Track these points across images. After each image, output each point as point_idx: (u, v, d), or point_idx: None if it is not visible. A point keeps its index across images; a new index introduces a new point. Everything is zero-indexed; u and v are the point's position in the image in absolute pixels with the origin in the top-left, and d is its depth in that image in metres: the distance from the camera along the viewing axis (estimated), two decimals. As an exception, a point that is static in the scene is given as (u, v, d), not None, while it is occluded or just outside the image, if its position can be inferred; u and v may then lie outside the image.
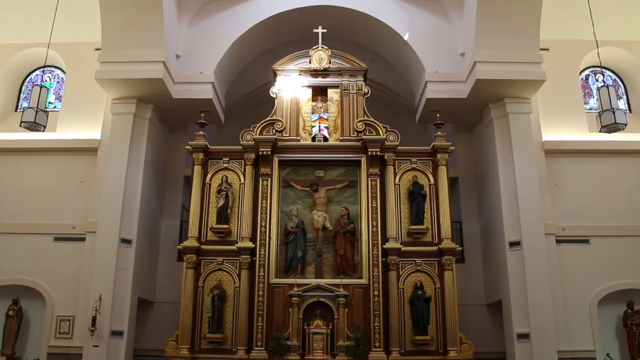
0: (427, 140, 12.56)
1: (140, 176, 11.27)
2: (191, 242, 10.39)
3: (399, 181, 10.82)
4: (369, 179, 10.67)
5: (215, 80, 12.07)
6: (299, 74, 11.50)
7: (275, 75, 11.58)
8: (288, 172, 11.09)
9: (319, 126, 11.51)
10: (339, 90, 11.49)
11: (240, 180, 10.84)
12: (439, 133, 10.97)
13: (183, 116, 12.41)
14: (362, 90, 11.39)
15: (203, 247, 10.43)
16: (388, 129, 10.93)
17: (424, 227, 10.50)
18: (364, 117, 11.12)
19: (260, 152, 10.68)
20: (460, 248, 10.75)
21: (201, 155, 10.84)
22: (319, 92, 11.67)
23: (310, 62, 11.45)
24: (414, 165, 10.90)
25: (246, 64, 13.43)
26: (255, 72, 14.01)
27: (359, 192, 10.86)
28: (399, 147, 10.84)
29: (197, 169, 10.81)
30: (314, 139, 11.27)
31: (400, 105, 15.35)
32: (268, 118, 11.07)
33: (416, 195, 10.62)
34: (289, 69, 11.49)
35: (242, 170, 10.85)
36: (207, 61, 11.89)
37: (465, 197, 12.76)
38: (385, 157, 10.74)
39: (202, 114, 11.30)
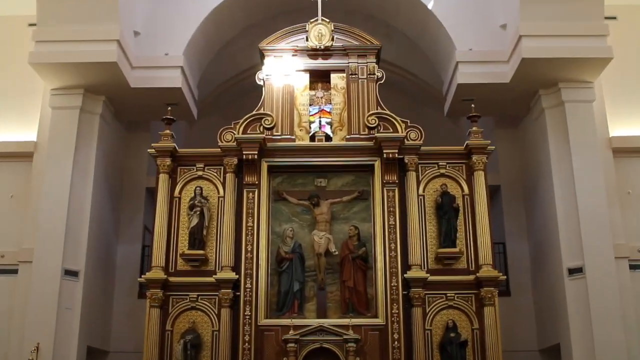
0: (459, 139, 12.70)
1: (90, 189, 11.41)
2: (156, 274, 10.50)
3: (424, 191, 10.97)
4: (385, 188, 10.82)
5: (186, 64, 12.23)
6: (293, 55, 11.66)
7: (262, 56, 11.73)
8: (280, 181, 11.24)
9: (320, 121, 11.66)
10: (344, 75, 11.64)
11: (218, 193, 10.99)
12: (474, 129, 11.12)
13: (144, 111, 12.57)
14: (374, 74, 11.55)
15: (171, 279, 10.56)
16: (408, 125, 11.08)
17: (456, 250, 10.64)
18: (377, 109, 11.28)
19: (244, 156, 10.82)
20: (505, 277, 10.88)
21: (168, 161, 11.01)
22: (320, 78, 11.83)
23: (307, 40, 11.62)
24: (442, 171, 11.05)
25: (225, 43, 13.62)
26: (236, 53, 14.18)
27: (372, 206, 11.00)
28: (423, 148, 10.98)
29: (163, 178, 10.96)
30: (313, 138, 11.43)
31: (423, 93, 15.51)
32: (254, 112, 11.22)
33: (446, 210, 10.76)
34: (280, 49, 11.65)
35: (221, 179, 11.00)
36: (175, 39, 12.08)
37: (510, 210, 12.92)
38: (406, 161, 10.90)
39: (169, 108, 11.45)
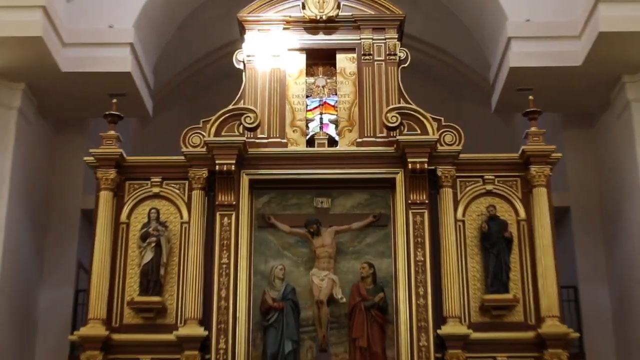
0: (513, 143, 12.75)
1: (3, 211, 11.41)
2: (94, 329, 10.42)
3: (464, 215, 10.95)
4: (411, 211, 10.80)
5: (137, 41, 12.27)
6: (285, 28, 11.72)
7: (242, 30, 11.80)
8: (267, 201, 11.26)
9: (321, 119, 11.67)
10: (354, 55, 11.70)
11: (181, 217, 10.97)
12: (533, 129, 11.12)
13: (80, 104, 12.60)
14: (395, 54, 11.60)
15: (115, 337, 10.49)
16: (442, 124, 11.10)
17: (509, 296, 10.59)
18: (399, 102, 11.30)
19: (217, 167, 10.81)
20: (577, 334, 10.80)
21: (112, 173, 10.97)
22: (321, 60, 11.87)
23: (304, 7, 11.69)
24: (489, 187, 11.04)
25: (191, 11, 13.67)
26: (206, 25, 14.22)
27: (392, 235, 10.99)
28: (462, 156, 11.00)
29: (105, 197, 10.92)
30: (311, 141, 11.46)
31: (463, 81, 15.54)
32: (231, 107, 11.21)
33: (495, 241, 10.73)
34: (266, 19, 11.70)
35: (186, 198, 11.00)
36: (122, 7, 12.14)
37: (583, 242, 12.92)
38: (439, 173, 10.89)
39: (114, 100, 11.44)
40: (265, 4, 11.70)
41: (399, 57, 11.58)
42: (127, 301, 10.68)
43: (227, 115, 10.99)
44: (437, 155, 10.86)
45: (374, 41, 11.64)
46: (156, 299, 10.58)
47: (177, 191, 11.06)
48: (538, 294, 10.57)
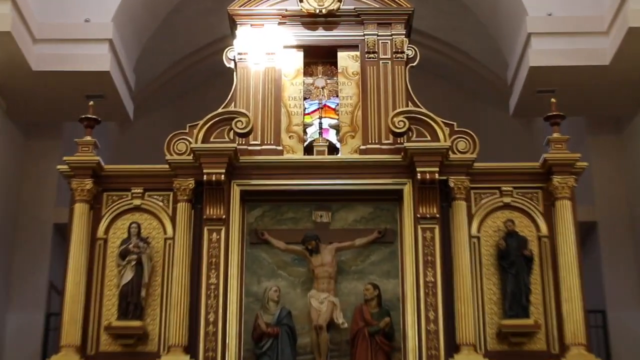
0: (533, 150, 12.72)
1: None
2: (67, 357, 10.37)
3: (480, 231, 10.94)
4: (420, 226, 10.79)
5: (117, 37, 12.28)
6: (281, 23, 11.76)
7: (233, 25, 11.82)
8: (260, 215, 11.26)
9: (320, 124, 11.70)
10: (358, 53, 11.74)
11: (165, 232, 10.96)
12: (555, 135, 11.13)
13: (53, 107, 12.63)
14: (403, 52, 11.62)
15: (92, 365, 10.57)
16: (455, 129, 11.11)
17: (530, 322, 10.56)
18: (407, 105, 11.32)
19: (205, 177, 10.80)
20: (606, 364, 10.84)
21: (88, 184, 10.94)
22: (320, 58, 11.91)
23: (301, 0, 11.71)
24: (507, 200, 11.03)
25: (174, 5, 13.67)
26: (193, 20, 14.23)
27: (399, 253, 11.01)
28: (477, 165, 11.00)
29: (81, 210, 10.90)
30: (309, 149, 11.48)
31: (478, 82, 15.54)
32: (220, 110, 11.23)
33: (513, 259, 10.69)
34: (260, 13, 11.73)
35: (170, 211, 10.99)
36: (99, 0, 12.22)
37: (613, 261, 12.90)
38: (452, 184, 10.87)
39: (91, 103, 11.42)
40: (257, -3, 11.81)
41: (407, 55, 11.60)
42: (104, 326, 10.63)
43: (216, 119, 11.00)
44: (449, 165, 10.85)
45: (379, 37, 11.68)
46: (136, 323, 10.53)
47: (161, 203, 11.05)
48: (562, 319, 10.53)
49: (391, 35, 11.68)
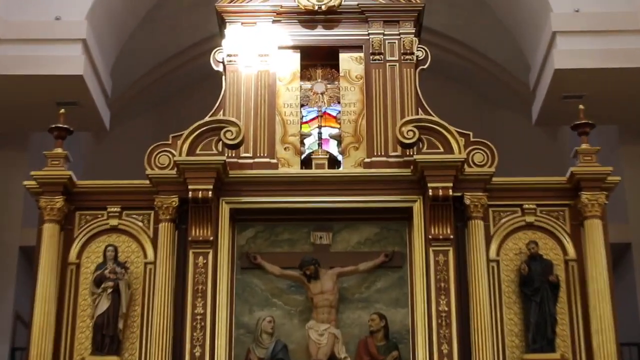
0: (558, 163, 12.74)
1: None
2: (36, 396, 10.45)
3: (499, 254, 10.95)
4: (432, 249, 10.80)
5: (91, 36, 12.32)
6: (275, 20, 11.84)
7: (222, 23, 11.90)
8: (253, 236, 11.28)
9: (320, 134, 11.75)
10: (362, 54, 11.81)
11: (145, 257, 10.97)
12: (584, 146, 11.16)
13: (19, 115, 12.68)
14: (412, 53, 11.68)
15: (63, 406, 10.55)
16: (471, 139, 11.16)
17: (556, 356, 10.56)
18: (417, 113, 11.38)
19: (190, 193, 10.81)
20: (641, 404, 10.85)
21: (59, 201, 10.94)
22: (320, 60, 11.98)
23: (298, -5, 11.89)
24: (530, 219, 11.06)
25: (156, 1, 13.69)
26: (176, 18, 14.24)
27: (409, 279, 11.02)
28: (495, 179, 11.03)
29: (50, 230, 10.90)
30: (306, 162, 11.53)
31: (495, 85, 15.53)
32: (207, 118, 11.27)
33: (537, 286, 10.69)
34: (251, 10, 11.80)
35: (151, 232, 11.02)
36: (72, -5, 12.36)
37: (649, 287, 12.94)
38: (467, 202, 10.89)
39: (62, 110, 11.40)
40: (248, -8, 11.88)
41: (417, 56, 11.68)
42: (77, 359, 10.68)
43: (202, 129, 11.01)
44: (464, 179, 10.88)
45: (385, 37, 11.76)
46: (113, 359, 10.55)
47: (140, 224, 11.08)
48: (592, 353, 10.53)
49: (399, 34, 11.75)
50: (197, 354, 10.52)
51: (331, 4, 11.72)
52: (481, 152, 11.09)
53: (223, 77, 11.67)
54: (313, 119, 11.86)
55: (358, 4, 11.79)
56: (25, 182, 11.12)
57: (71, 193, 11.05)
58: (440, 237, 10.83)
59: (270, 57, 11.74)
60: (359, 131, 11.56)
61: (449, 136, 10.92)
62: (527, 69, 13.48)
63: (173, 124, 11.85)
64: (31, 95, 12.16)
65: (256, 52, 11.70)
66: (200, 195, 10.73)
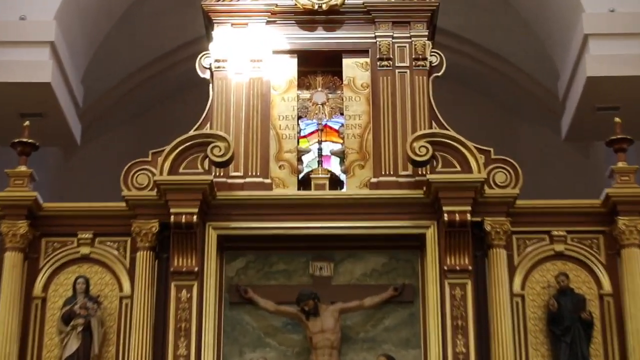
0: (592, 184, 12.71)
1: None
2: None
3: (524, 288, 10.94)
4: (448, 282, 10.79)
5: (61, 39, 12.31)
6: (269, 21, 11.88)
7: (209, 24, 11.94)
8: (243, 267, 11.29)
9: (320, 151, 11.78)
10: (368, 60, 11.85)
11: (121, 290, 10.95)
12: (620, 165, 11.17)
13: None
14: (425, 59, 11.72)
15: None
16: (492, 157, 11.18)
17: (588, 404, 10.62)
18: (431, 126, 11.40)
19: (173, 218, 10.81)
20: None
21: (22, 227, 10.95)
22: (320, 66, 12.03)
23: (295, -8, 11.93)
24: (559, 248, 11.05)
25: (133, 1, 13.73)
26: (157, 18, 14.25)
27: (421, 316, 11.03)
28: (519, 202, 11.04)
29: (12, 259, 10.90)
30: (304, 182, 11.56)
31: (519, 95, 15.52)
32: (192, 132, 11.27)
33: (568, 324, 10.68)
34: (243, 9, 11.85)
35: (127, 262, 11.01)
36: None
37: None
38: (488, 228, 10.89)
39: (26, 123, 11.45)
40: (239, -12, 11.91)
41: (430, 62, 11.72)
42: (42, 409, 10.65)
43: (187, 144, 11.03)
44: (484, 202, 10.89)
45: (394, 40, 11.81)
46: (83, 407, 10.55)
47: (115, 252, 11.08)
48: (632, 401, 10.57)
49: (410, 37, 11.80)
50: (182, 400, 10.55)
51: (333, 2, 11.77)
52: (503, 171, 11.10)
53: (210, 85, 11.69)
54: (312, 133, 11.90)
55: (364, 3, 11.84)
56: (-14, 206, 11.12)
57: (36, 217, 11.06)
58: (457, 268, 10.81)
59: (264, 63, 11.77)
60: (365, 147, 11.58)
61: (466, 153, 10.93)
62: (556, 76, 13.47)
63: (153, 138, 11.78)
64: (-10, 104, 12.15)
65: (248, 57, 11.74)
66: (183, 220, 10.72)
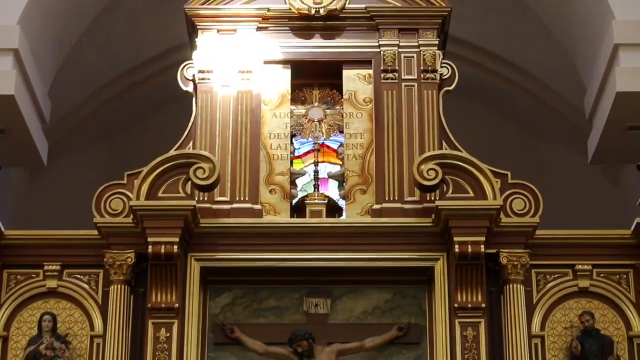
0: (621, 212, 12.79)
1: None
2: None
3: (544, 328, 11.03)
4: (459, 321, 10.86)
5: (26, 47, 12.29)
6: (259, 27, 11.98)
7: (192, 30, 12.06)
8: (230, 302, 11.37)
9: (316, 173, 11.91)
10: (370, 72, 11.97)
11: (92, 327, 11.03)
12: (655, 191, 11.29)
13: None
14: (434, 70, 11.83)
15: None
16: (509, 181, 11.25)
17: None
18: (441, 147, 11.51)
19: (150, 248, 10.80)
20: None
21: (-19, 257, 11.12)
22: (317, 78, 12.15)
23: (289, -4, 12.03)
24: (583, 284, 11.13)
25: (107, 2, 13.83)
26: (133, 23, 14.31)
27: (428, 358, 11.07)
28: (540, 232, 11.11)
29: (-30, 293, 11.08)
30: (298, 208, 11.66)
31: (541, 112, 15.46)
32: (173, 151, 11.33)
33: (592, 367, 10.93)
34: (230, 14, 11.96)
35: (99, 297, 11.08)
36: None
37: None
38: (504, 261, 10.93)
39: (-13, 141, 11.69)
40: (227, -9, 12.00)
41: (441, 74, 11.85)
42: None
43: (166, 165, 11.08)
44: (500, 232, 10.97)
45: (401, 49, 11.94)
46: None
47: (86, 286, 11.16)
48: None
49: (418, 46, 11.94)
50: None
51: (332, 6, 11.87)
52: (522, 197, 11.20)
53: (194, 98, 11.79)
54: (307, 153, 12.07)
55: (366, 7, 11.95)
56: (-63, 233, 11.18)
57: (-2, 246, 11.12)
58: (469, 305, 10.89)
59: (254, 74, 11.87)
60: (367, 170, 11.68)
61: (480, 177, 11.00)
62: (582, 91, 13.51)
63: (129, 158, 11.86)
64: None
65: (236, 68, 11.84)
66: (163, 250, 10.76)
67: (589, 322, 10.87)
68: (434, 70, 11.82)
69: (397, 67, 11.86)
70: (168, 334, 10.85)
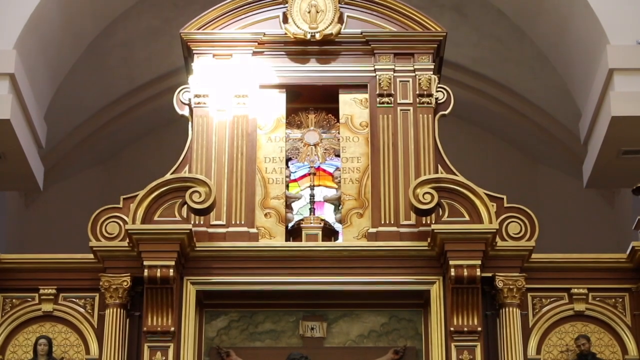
0: (616, 235, 12.76)
1: None
2: None
3: (540, 352, 11.01)
4: (455, 345, 10.80)
5: (22, 72, 12.29)
6: (255, 52, 12.00)
7: (188, 54, 12.07)
8: (226, 325, 11.35)
9: (312, 196, 11.88)
10: (366, 96, 11.97)
11: (88, 351, 11.00)
12: (650, 216, 11.27)
13: None
14: (430, 95, 11.83)
15: None
16: (505, 205, 11.24)
17: None
18: (436, 169, 11.51)
19: (146, 272, 10.78)
20: None
21: (-24, 281, 11.10)
22: (312, 103, 12.15)
23: (285, 21, 11.99)
24: (579, 307, 11.12)
25: (104, 26, 13.80)
26: (130, 47, 14.32)
27: (425, 382, 11.08)
28: (535, 256, 11.10)
29: (-36, 318, 11.06)
30: (294, 232, 11.65)
31: (536, 137, 15.46)
32: (169, 175, 11.34)
33: (588, 394, 10.84)
34: (226, 39, 11.98)
35: (95, 320, 11.06)
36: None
37: None
38: (500, 284, 10.92)
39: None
40: (223, 16, 12.00)
41: (436, 99, 11.85)
42: None
43: (162, 189, 11.07)
44: (496, 256, 10.97)
45: (396, 74, 11.95)
46: None
47: (82, 310, 11.15)
48: None
49: (414, 70, 11.93)
50: None
51: (328, 31, 11.89)
52: (518, 221, 11.19)
53: (189, 123, 11.77)
54: (303, 177, 12.14)
55: (362, 32, 11.97)
56: None
57: (-8, 271, 11.10)
58: (465, 329, 10.85)
59: (249, 99, 11.87)
60: (363, 193, 11.67)
61: (476, 200, 11.00)
62: (577, 115, 13.51)
63: (125, 182, 11.85)
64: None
65: (231, 92, 11.85)
66: (158, 274, 10.75)
67: (585, 346, 10.87)
68: (430, 95, 11.83)
69: (392, 92, 11.87)
70: (164, 358, 10.81)
